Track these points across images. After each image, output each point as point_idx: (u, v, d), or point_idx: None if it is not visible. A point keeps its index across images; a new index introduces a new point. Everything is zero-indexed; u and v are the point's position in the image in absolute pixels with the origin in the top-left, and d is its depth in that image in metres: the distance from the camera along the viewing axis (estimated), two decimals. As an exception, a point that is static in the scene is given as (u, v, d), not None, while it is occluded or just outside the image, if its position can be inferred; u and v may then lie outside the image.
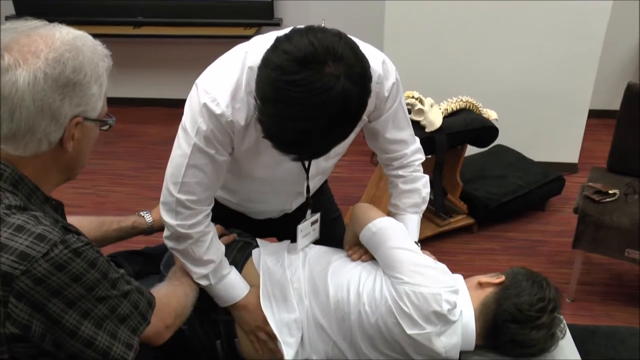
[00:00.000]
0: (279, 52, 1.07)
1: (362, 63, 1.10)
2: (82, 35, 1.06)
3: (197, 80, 1.31)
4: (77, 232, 1.04)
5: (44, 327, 0.97)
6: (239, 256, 1.52)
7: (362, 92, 1.10)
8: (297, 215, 1.59)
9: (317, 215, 1.61)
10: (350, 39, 1.12)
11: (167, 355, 1.41)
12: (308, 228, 1.60)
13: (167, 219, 1.38)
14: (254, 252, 1.54)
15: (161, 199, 1.38)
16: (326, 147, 1.17)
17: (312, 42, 1.06)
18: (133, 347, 1.07)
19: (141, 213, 1.64)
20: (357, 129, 1.46)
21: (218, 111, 1.25)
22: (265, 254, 1.53)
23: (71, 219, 1.49)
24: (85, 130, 1.06)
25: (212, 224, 1.43)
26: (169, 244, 1.42)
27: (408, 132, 1.56)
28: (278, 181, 1.49)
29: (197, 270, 1.41)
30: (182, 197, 1.34)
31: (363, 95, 1.11)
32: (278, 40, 1.10)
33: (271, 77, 1.07)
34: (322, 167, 1.52)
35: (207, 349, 1.48)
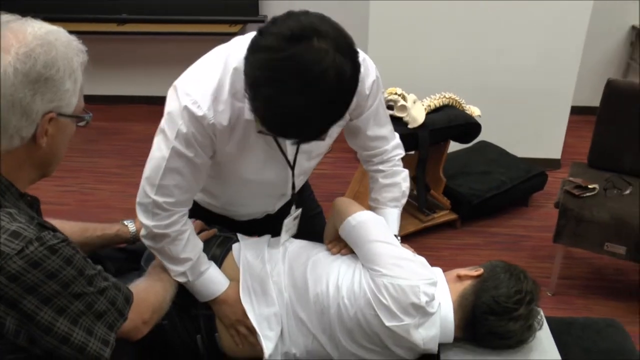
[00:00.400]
0: (266, 35, 1.07)
1: (347, 39, 1.10)
2: (55, 30, 1.04)
3: (176, 83, 1.30)
4: (54, 229, 1.03)
5: (18, 324, 0.97)
6: (219, 251, 1.53)
7: (354, 65, 1.10)
8: (280, 215, 1.60)
9: (299, 211, 1.63)
10: (333, 20, 1.12)
11: (148, 350, 1.41)
12: (291, 223, 1.61)
13: (144, 219, 1.37)
14: (234, 246, 1.55)
15: (137, 199, 1.37)
16: (325, 125, 1.14)
17: (298, 21, 1.07)
18: (109, 343, 1.07)
19: (125, 222, 1.63)
20: (338, 129, 1.48)
21: (199, 113, 1.24)
22: (246, 248, 1.54)
23: (53, 223, 1.50)
24: (60, 126, 1.05)
25: (189, 222, 1.43)
26: (146, 242, 1.42)
27: (388, 128, 1.58)
28: (261, 183, 1.49)
29: (174, 268, 1.41)
30: (160, 199, 1.33)
31: (355, 67, 1.10)
32: (262, 28, 1.10)
33: (262, 58, 1.06)
34: (305, 167, 1.53)
35: (187, 344, 1.49)
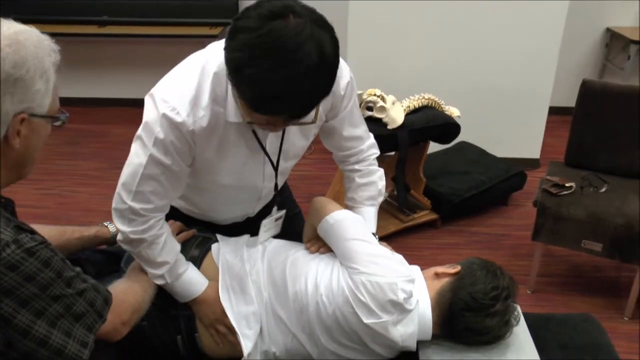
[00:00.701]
0: (243, 19, 1.08)
1: (320, 15, 1.11)
2: (26, 29, 1.02)
3: (153, 91, 1.29)
4: (32, 231, 1.02)
5: None
6: (197, 251, 1.53)
7: (332, 38, 1.10)
8: (261, 217, 1.61)
9: (283, 212, 1.64)
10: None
11: (128, 351, 1.41)
12: (271, 224, 1.62)
13: (120, 225, 1.37)
14: (214, 246, 1.55)
15: (113, 204, 1.36)
16: (314, 99, 1.14)
17: (272, 4, 1.08)
18: (88, 345, 1.06)
19: (105, 223, 1.62)
20: (315, 129, 1.49)
21: (178, 120, 1.24)
22: (225, 248, 1.54)
23: (32, 226, 1.49)
24: (33, 127, 1.03)
25: (165, 225, 1.43)
26: (123, 246, 1.42)
27: (363, 129, 1.61)
28: (241, 187, 1.49)
29: (152, 271, 1.41)
30: (136, 205, 1.33)
31: (334, 41, 1.11)
32: (237, 16, 1.11)
33: (241, 39, 1.07)
34: (283, 167, 1.54)
35: (167, 344, 1.48)
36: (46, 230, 1.48)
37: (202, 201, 1.56)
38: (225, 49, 1.12)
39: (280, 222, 1.65)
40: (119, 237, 1.40)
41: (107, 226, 1.61)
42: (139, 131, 1.29)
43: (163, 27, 4.31)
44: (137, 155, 1.30)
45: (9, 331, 0.97)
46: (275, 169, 1.49)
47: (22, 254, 0.95)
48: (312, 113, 1.21)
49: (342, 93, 1.44)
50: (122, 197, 1.33)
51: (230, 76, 1.12)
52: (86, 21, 4.35)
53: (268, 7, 1.08)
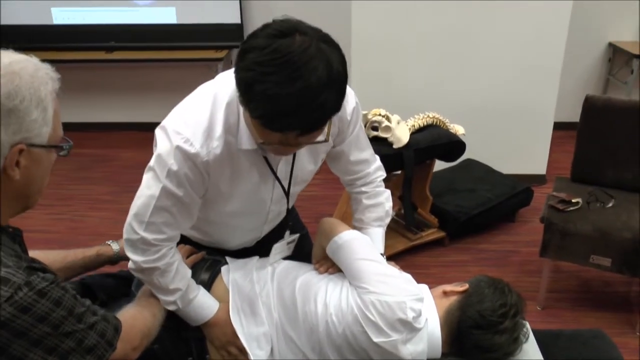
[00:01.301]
0: (250, 41, 1.11)
1: (326, 34, 1.14)
2: (22, 59, 1.01)
3: (164, 123, 1.30)
4: (43, 270, 1.02)
5: None
6: (207, 274, 1.54)
7: (339, 53, 1.12)
8: (269, 238, 1.62)
9: (296, 237, 1.65)
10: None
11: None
12: (283, 247, 1.64)
13: (132, 255, 1.37)
14: (223, 269, 1.57)
15: (125, 235, 1.37)
16: (325, 113, 1.13)
17: (277, 25, 1.11)
18: None
19: (107, 242, 1.62)
20: (322, 155, 1.52)
21: (192, 151, 1.25)
22: (234, 270, 1.56)
23: (36, 253, 1.48)
24: (33, 157, 1.02)
25: (177, 252, 1.43)
26: (135, 274, 1.43)
27: (369, 152, 1.63)
28: (252, 214, 1.51)
29: (164, 298, 1.42)
30: (149, 236, 1.33)
31: (340, 55, 1.12)
32: (245, 40, 1.14)
33: (250, 59, 1.09)
34: (291, 192, 1.55)
35: (179, 367, 1.50)
36: (52, 256, 1.50)
37: (211, 230, 1.57)
38: (236, 70, 1.14)
39: (292, 245, 1.67)
40: (130, 265, 1.40)
41: (109, 245, 1.61)
42: (152, 163, 1.30)
43: (169, 52, 4.38)
44: (149, 187, 1.30)
45: None
46: (287, 193, 1.50)
47: (34, 296, 0.95)
48: (325, 131, 1.23)
49: (349, 118, 1.46)
50: (134, 227, 1.34)
51: (241, 96, 1.14)
52: (94, 47, 4.42)
53: (275, 27, 1.11)
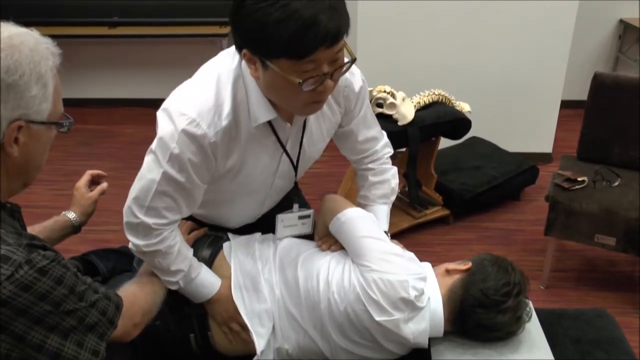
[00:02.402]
0: None
1: None
2: (22, 32, 0.98)
3: (166, 105, 1.27)
4: (44, 247, 1.02)
5: (9, 347, 0.96)
6: (209, 251, 1.54)
7: None
8: (273, 213, 1.61)
9: (310, 211, 1.63)
10: None
11: (141, 350, 1.42)
12: (294, 221, 1.61)
13: (133, 239, 1.36)
14: (225, 245, 1.56)
15: (125, 218, 1.34)
16: (338, 10, 1.11)
17: None
18: (100, 353, 1.07)
19: (63, 212, 1.58)
20: (331, 131, 1.51)
21: (199, 132, 1.22)
22: (236, 246, 1.55)
23: None
24: (32, 134, 1.00)
25: (178, 234, 1.42)
26: (137, 255, 1.42)
27: (376, 129, 1.62)
28: (255, 190, 1.50)
29: (166, 279, 1.42)
30: (149, 220, 1.31)
31: None
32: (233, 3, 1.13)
33: (250, 2, 1.08)
34: (300, 168, 1.54)
35: (180, 343, 1.50)
36: None
37: (213, 207, 1.56)
38: (238, 24, 1.12)
39: (308, 221, 1.64)
40: (131, 246, 1.39)
41: (65, 214, 1.57)
42: (153, 146, 1.27)
43: (173, 27, 4.33)
44: (150, 171, 1.28)
45: (24, 348, 0.97)
46: (296, 167, 1.49)
47: (35, 274, 0.95)
48: (346, 54, 1.20)
49: (356, 97, 1.45)
50: (134, 211, 1.32)
51: (257, 43, 1.12)
52: (97, 22, 4.38)
53: None
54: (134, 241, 1.36)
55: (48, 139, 1.05)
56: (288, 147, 1.43)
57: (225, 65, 1.28)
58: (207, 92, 1.25)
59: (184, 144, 1.23)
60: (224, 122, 1.25)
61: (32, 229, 1.49)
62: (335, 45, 1.13)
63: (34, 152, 1.02)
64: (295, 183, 1.56)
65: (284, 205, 1.64)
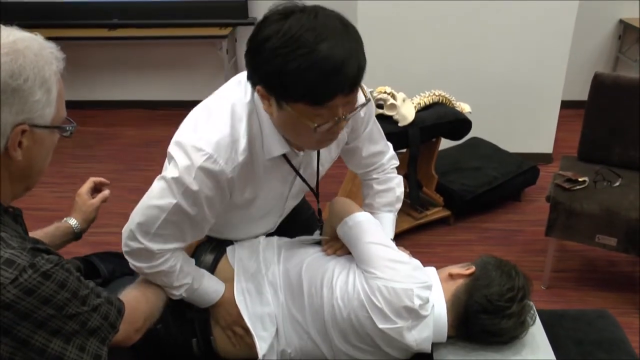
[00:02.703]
0: (260, 34, 1.11)
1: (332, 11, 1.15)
2: (28, 37, 0.99)
3: (180, 139, 1.25)
4: (47, 251, 1.01)
5: (11, 351, 0.96)
6: (213, 255, 1.54)
7: (347, 20, 1.15)
8: (281, 228, 1.62)
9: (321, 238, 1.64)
10: None
11: (143, 354, 1.42)
12: (308, 241, 1.63)
13: (134, 262, 1.34)
14: (229, 248, 1.56)
15: (126, 240, 1.32)
16: (356, 56, 1.12)
17: (277, 10, 1.12)
18: (101, 358, 1.07)
19: (64, 219, 1.57)
20: (338, 149, 1.51)
21: (217, 168, 1.21)
22: (240, 249, 1.55)
23: None
24: (35, 138, 1.00)
25: (181, 252, 1.40)
26: (139, 271, 1.40)
27: (383, 143, 1.62)
28: (267, 214, 1.51)
29: (170, 292, 1.41)
30: (153, 246, 1.30)
31: (349, 22, 1.15)
32: (250, 39, 1.13)
33: (270, 47, 1.08)
34: (306, 188, 1.55)
35: (182, 347, 1.50)
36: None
37: (225, 230, 1.55)
38: (256, 68, 1.13)
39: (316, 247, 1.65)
40: (132, 267, 1.38)
41: (66, 220, 1.56)
42: (167, 175, 1.24)
43: (173, 29, 4.33)
44: (160, 198, 1.26)
45: (26, 352, 0.97)
46: (316, 194, 1.51)
47: (39, 278, 0.95)
48: (361, 96, 1.24)
49: (362, 115, 1.45)
50: (137, 236, 1.29)
51: (274, 88, 1.12)
52: (97, 24, 4.38)
53: (276, 12, 1.11)
54: (136, 264, 1.35)
55: (51, 143, 1.06)
56: (301, 171, 1.44)
57: (238, 97, 1.27)
58: (222, 127, 1.24)
59: (201, 179, 1.22)
60: (241, 158, 1.25)
61: (34, 234, 1.49)
62: (353, 91, 1.16)
63: (37, 156, 1.03)
64: (320, 210, 1.57)
65: (295, 217, 1.64)
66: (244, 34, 4.45)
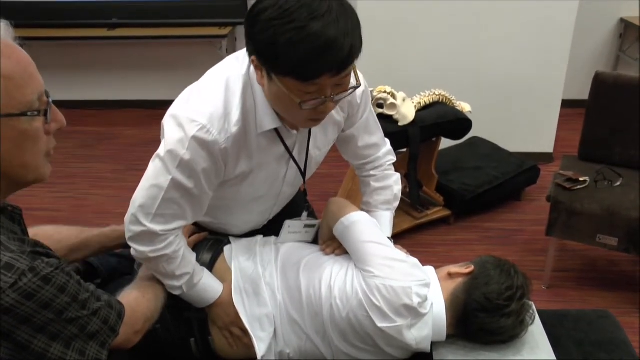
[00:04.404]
0: (258, 7, 1.10)
1: None
2: None
3: (174, 112, 1.26)
4: (47, 254, 1.00)
5: (11, 354, 0.95)
6: (210, 254, 1.53)
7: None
8: (278, 221, 1.61)
9: (316, 222, 1.63)
10: None
11: (141, 353, 1.41)
12: (299, 228, 1.61)
13: (137, 247, 1.34)
14: (226, 248, 1.55)
15: (129, 225, 1.32)
16: (349, 39, 1.10)
17: None
18: None
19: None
20: (333, 136, 1.50)
21: (210, 138, 1.22)
22: (237, 250, 1.55)
23: (49, 228, 1.46)
24: (2, 129, 0.93)
25: (183, 238, 1.41)
26: (140, 261, 1.41)
27: (379, 136, 1.61)
28: (261, 197, 1.49)
29: (170, 283, 1.41)
30: (156, 227, 1.30)
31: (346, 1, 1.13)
32: (250, 10, 1.13)
33: (266, 17, 1.08)
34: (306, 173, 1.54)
35: (180, 346, 1.49)
36: (65, 230, 1.49)
37: (221, 213, 1.55)
38: (251, 37, 1.13)
39: (311, 230, 1.64)
40: (134, 254, 1.38)
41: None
42: (161, 153, 1.25)
43: (172, 29, 4.32)
44: (156, 177, 1.26)
45: (26, 356, 0.97)
46: (304, 173, 1.49)
47: (39, 282, 0.94)
48: (353, 79, 1.22)
49: (359, 102, 1.44)
50: (139, 219, 1.29)
51: (266, 59, 1.12)
52: (96, 24, 4.37)
53: None
54: (139, 248, 1.34)
55: (23, 132, 0.96)
56: (295, 154, 1.43)
57: (234, 70, 1.27)
58: (216, 99, 1.24)
59: (194, 149, 1.22)
60: (234, 129, 1.25)
61: (89, 231, 1.52)
62: (342, 72, 1.14)
63: (10, 148, 0.95)
64: (305, 190, 1.55)
65: (291, 210, 1.63)
66: (244, 33, 4.45)
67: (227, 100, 1.25)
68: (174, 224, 1.32)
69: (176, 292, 1.42)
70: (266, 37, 1.09)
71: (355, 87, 1.24)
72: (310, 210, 1.64)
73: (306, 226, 1.62)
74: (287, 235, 1.60)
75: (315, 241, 1.64)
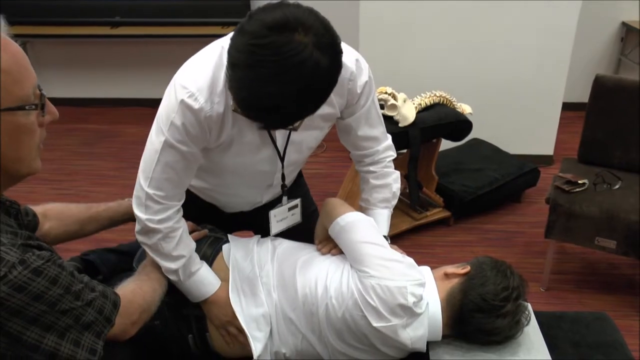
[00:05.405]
0: (252, 20, 1.09)
1: (331, 35, 1.11)
2: None
3: (174, 77, 1.32)
4: (39, 247, 1.01)
5: (4, 347, 0.96)
6: (209, 251, 1.55)
7: (332, 63, 1.11)
8: (270, 208, 1.62)
9: (297, 201, 1.65)
10: (323, 16, 1.13)
11: (140, 349, 1.43)
12: (284, 213, 1.63)
13: (137, 212, 1.40)
14: (224, 247, 1.57)
15: (134, 192, 1.40)
16: (295, 117, 1.18)
17: (285, 13, 1.08)
18: (97, 352, 1.07)
19: (127, 199, 1.60)
20: (328, 123, 1.50)
21: (196, 106, 1.26)
22: (235, 249, 1.55)
23: (57, 205, 1.50)
24: (2, 124, 0.93)
25: (182, 220, 1.45)
26: (140, 238, 1.44)
27: (380, 130, 1.61)
28: (251, 173, 1.51)
29: (167, 265, 1.43)
30: (152, 191, 1.36)
31: (332, 66, 1.11)
32: (252, 12, 1.12)
33: (242, 42, 1.08)
34: (294, 159, 1.54)
35: (179, 343, 1.50)
36: (74, 207, 1.53)
37: (211, 181, 1.58)
38: (231, 39, 1.13)
39: (296, 211, 1.66)
40: (136, 227, 1.42)
41: (130, 200, 1.55)
42: (157, 115, 1.33)
43: (175, 27, 4.33)
44: (152, 142, 1.34)
45: (19, 348, 0.97)
46: (282, 159, 1.50)
47: (29, 275, 0.95)
48: (345, 72, 1.26)
49: (359, 91, 1.43)
50: (140, 183, 1.37)
51: (227, 69, 1.14)
52: (99, 22, 4.39)
53: (279, 15, 1.07)
54: (139, 215, 1.40)
55: (16, 126, 0.96)
56: (277, 135, 1.44)
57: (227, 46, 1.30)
58: (207, 69, 1.28)
59: (183, 113, 1.27)
60: (217, 99, 1.29)
61: (96, 207, 1.56)
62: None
63: (4, 141, 0.95)
64: (283, 175, 1.56)
65: (279, 199, 1.64)
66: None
67: (216, 71, 1.28)
68: (165, 190, 1.37)
69: (173, 277, 1.44)
70: (233, 55, 1.10)
71: (292, 129, 1.30)
72: (285, 190, 1.63)
73: (290, 209, 1.64)
74: (276, 224, 1.62)
75: (311, 241, 1.65)
